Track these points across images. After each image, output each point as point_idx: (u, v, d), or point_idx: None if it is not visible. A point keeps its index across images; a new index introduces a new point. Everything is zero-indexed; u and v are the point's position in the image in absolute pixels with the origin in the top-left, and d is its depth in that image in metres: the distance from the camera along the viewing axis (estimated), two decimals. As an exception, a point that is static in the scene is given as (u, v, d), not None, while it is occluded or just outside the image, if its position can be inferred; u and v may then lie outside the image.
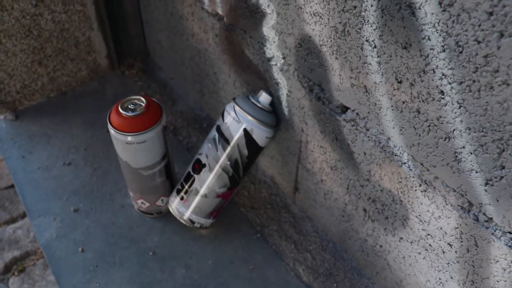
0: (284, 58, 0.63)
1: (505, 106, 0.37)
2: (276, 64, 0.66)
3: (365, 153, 0.57)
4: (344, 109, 0.58)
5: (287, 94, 0.67)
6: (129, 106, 0.65)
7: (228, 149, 0.67)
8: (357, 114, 0.55)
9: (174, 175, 0.77)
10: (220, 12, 0.73)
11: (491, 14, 0.34)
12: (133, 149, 0.65)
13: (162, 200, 0.76)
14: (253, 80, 0.74)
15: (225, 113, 0.68)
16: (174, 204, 0.73)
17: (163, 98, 1.03)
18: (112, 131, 0.65)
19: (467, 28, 0.36)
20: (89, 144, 0.93)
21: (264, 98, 0.68)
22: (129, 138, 0.64)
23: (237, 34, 0.71)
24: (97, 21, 1.01)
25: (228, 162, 0.68)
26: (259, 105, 0.68)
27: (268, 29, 0.63)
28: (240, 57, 0.74)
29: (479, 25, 0.35)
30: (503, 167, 0.40)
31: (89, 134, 0.95)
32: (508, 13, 0.33)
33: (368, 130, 0.55)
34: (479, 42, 0.36)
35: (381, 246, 0.63)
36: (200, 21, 0.80)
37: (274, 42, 0.63)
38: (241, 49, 0.72)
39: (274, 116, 0.69)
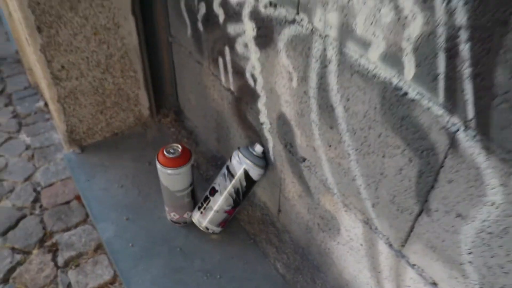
0: (270, 124, 0.99)
1: (379, 165, 0.72)
2: (266, 127, 1.02)
3: (315, 187, 0.91)
4: (303, 159, 0.93)
5: (272, 147, 1.02)
6: (170, 150, 1.01)
7: (233, 181, 1.02)
8: (310, 162, 0.90)
9: (197, 197, 1.12)
10: (231, 88, 1.10)
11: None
12: (172, 178, 1.01)
13: (187, 214, 1.11)
14: (252, 135, 1.10)
15: (232, 157, 1.04)
16: (196, 216, 1.08)
17: (190, 141, 1.40)
18: (158, 166, 1.01)
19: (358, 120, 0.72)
20: (135, 173, 1.29)
21: (258, 148, 1.03)
22: (169, 171, 1.00)
23: (242, 104, 1.08)
24: (144, 83, 1.40)
25: (233, 189, 1.03)
26: (254, 153, 1.03)
27: (261, 105, 1.00)
28: (244, 119, 1.10)
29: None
30: (378, 197, 0.74)
31: (135, 166, 1.32)
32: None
33: (316, 172, 0.90)
34: (361, 129, 0.71)
35: (329, 249, 0.96)
36: (219, 92, 1.17)
37: (264, 113, 1.00)
38: (245, 114, 1.08)
39: (265, 161, 1.04)
